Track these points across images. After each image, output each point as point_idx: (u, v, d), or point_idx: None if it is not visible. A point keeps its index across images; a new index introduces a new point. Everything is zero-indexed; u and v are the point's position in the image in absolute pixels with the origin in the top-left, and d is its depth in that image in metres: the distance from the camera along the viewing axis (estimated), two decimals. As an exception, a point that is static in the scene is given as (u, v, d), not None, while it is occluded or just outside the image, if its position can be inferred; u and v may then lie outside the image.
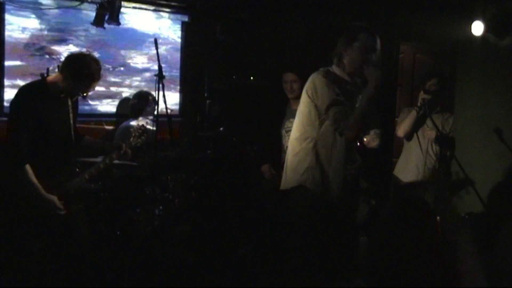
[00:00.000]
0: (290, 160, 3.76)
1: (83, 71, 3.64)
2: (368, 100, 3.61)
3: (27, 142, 3.56)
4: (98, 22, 5.49)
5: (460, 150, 5.42)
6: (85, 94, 3.78)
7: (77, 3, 5.62)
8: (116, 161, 4.17)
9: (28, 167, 3.56)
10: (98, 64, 3.80)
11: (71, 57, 3.77)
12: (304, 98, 3.69)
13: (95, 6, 5.49)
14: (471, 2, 5.85)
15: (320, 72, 3.68)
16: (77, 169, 3.96)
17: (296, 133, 3.75)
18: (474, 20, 5.75)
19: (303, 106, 3.70)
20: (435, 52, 7.22)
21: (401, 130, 5.25)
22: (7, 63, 5.27)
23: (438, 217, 2.02)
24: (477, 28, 5.78)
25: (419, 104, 5.07)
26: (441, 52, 7.15)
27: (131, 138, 4.23)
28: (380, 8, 6.27)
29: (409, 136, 5.24)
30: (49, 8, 5.54)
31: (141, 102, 5.56)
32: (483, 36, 5.85)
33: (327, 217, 3.77)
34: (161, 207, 5.14)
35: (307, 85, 3.67)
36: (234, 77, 6.16)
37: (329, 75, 3.68)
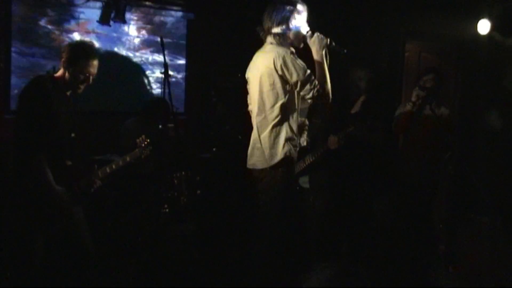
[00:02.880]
0: (264, 138, 3.74)
1: (76, 52, 3.72)
2: (323, 62, 3.72)
3: (42, 129, 3.58)
4: (104, 19, 5.50)
5: (464, 147, 5.41)
6: (87, 75, 3.77)
7: (83, 0, 5.65)
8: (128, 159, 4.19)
9: (43, 155, 3.57)
10: (90, 44, 3.91)
11: (65, 46, 3.85)
12: (267, 76, 3.67)
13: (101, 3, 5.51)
14: (477, 1, 5.84)
15: (281, 49, 3.67)
16: (84, 167, 3.96)
17: (264, 112, 3.75)
18: (480, 19, 5.75)
19: (267, 84, 3.69)
20: (441, 50, 7.20)
21: (398, 127, 5.29)
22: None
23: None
24: (483, 26, 5.78)
25: (413, 99, 5.11)
26: (446, 50, 7.14)
27: (137, 150, 4.23)
28: (386, 7, 6.26)
29: (405, 133, 5.28)
30: (56, 6, 5.56)
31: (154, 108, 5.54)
32: (489, 35, 5.84)
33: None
34: (166, 205, 5.15)
35: (273, 61, 3.62)
36: (239, 75, 6.17)
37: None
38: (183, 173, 5.34)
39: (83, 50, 3.76)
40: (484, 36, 5.85)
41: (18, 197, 3.67)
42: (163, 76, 4.28)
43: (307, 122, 4.67)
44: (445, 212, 5.39)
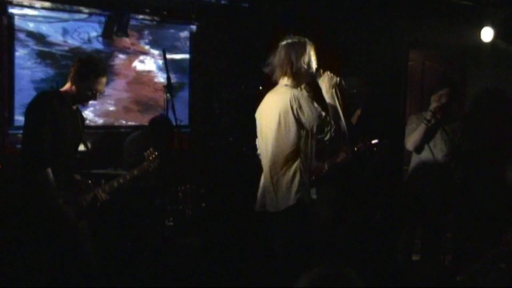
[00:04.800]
0: (278, 180, 3.66)
1: (86, 67, 3.72)
2: (334, 100, 3.69)
3: (49, 144, 3.57)
4: (107, 34, 5.52)
5: (470, 156, 5.35)
6: (95, 92, 3.76)
7: (85, 15, 5.66)
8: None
9: (49, 170, 3.56)
10: (100, 60, 3.89)
11: (74, 61, 3.86)
12: (283, 118, 3.62)
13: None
14: (480, 8, 5.82)
15: (296, 91, 3.64)
16: (90, 181, 3.94)
17: (278, 155, 3.67)
18: (484, 26, 5.72)
19: (282, 127, 3.63)
20: (445, 59, 7.17)
21: (411, 143, 5.07)
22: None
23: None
24: (487, 34, 5.75)
25: (428, 117, 4.90)
26: (450, 58, 7.11)
27: (145, 163, 4.21)
28: (389, 16, 6.24)
29: (419, 149, 5.06)
30: (58, 21, 5.58)
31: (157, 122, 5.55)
32: (492, 42, 5.82)
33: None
34: (171, 218, 5.13)
35: (289, 103, 3.58)
36: (243, 86, 6.17)
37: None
38: (187, 186, 5.32)
39: (93, 66, 3.75)
40: (487, 43, 5.83)
41: (25, 211, 3.67)
42: (166, 89, 4.27)
43: (326, 167, 4.65)
44: (453, 221, 5.33)
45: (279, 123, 3.66)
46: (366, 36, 6.25)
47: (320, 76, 3.74)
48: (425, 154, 5.04)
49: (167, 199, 5.08)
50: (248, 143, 5.58)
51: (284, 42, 3.73)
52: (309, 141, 3.70)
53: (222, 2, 6.02)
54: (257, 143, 4.02)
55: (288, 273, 3.70)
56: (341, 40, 6.14)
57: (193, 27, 6.44)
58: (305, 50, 3.69)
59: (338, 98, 3.72)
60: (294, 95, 3.60)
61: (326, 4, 5.91)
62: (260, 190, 3.88)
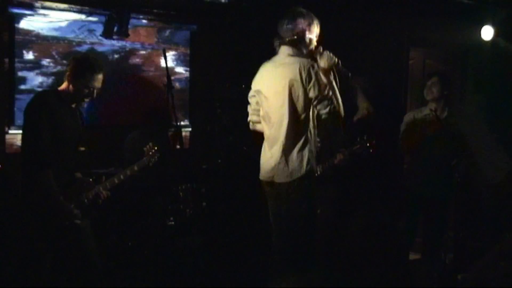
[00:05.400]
0: (289, 151, 3.67)
1: (82, 65, 3.72)
2: (330, 79, 3.69)
3: (48, 143, 3.56)
4: (107, 34, 5.52)
5: (470, 154, 5.35)
6: (92, 89, 3.75)
7: (85, 15, 5.66)
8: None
9: (50, 170, 3.56)
10: (95, 58, 3.88)
11: (70, 60, 3.86)
12: (293, 88, 3.61)
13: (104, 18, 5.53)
14: (480, 7, 5.82)
15: (305, 61, 3.62)
16: (91, 179, 3.94)
17: (287, 124, 3.66)
18: (484, 25, 5.73)
19: (293, 96, 3.63)
20: (445, 57, 7.18)
21: (405, 148, 5.17)
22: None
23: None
24: (487, 32, 5.76)
25: (429, 132, 4.96)
26: (451, 57, 7.12)
27: (144, 158, 4.21)
28: (390, 14, 6.25)
29: (415, 151, 5.13)
30: (58, 21, 5.58)
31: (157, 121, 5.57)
32: (493, 41, 5.83)
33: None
34: (172, 218, 5.13)
35: (298, 72, 3.58)
36: (243, 85, 6.17)
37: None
38: (188, 185, 5.32)
39: (88, 64, 3.74)
40: (488, 42, 5.84)
41: (26, 210, 3.67)
42: (166, 88, 4.27)
43: (318, 144, 4.65)
44: (454, 219, 5.33)
45: (290, 93, 3.64)
46: (367, 35, 6.26)
47: (320, 53, 3.72)
48: (425, 153, 5.04)
49: (167, 199, 5.08)
50: (248, 142, 5.58)
51: (294, 12, 3.71)
52: (315, 114, 3.72)
53: (222, 2, 6.01)
54: (249, 111, 4.02)
55: (288, 250, 3.74)
56: (341, 39, 6.14)
57: (194, 27, 6.43)
58: (311, 22, 3.70)
59: (335, 79, 3.72)
60: (303, 64, 3.59)
61: (327, 3, 5.91)
62: (265, 160, 3.85)
